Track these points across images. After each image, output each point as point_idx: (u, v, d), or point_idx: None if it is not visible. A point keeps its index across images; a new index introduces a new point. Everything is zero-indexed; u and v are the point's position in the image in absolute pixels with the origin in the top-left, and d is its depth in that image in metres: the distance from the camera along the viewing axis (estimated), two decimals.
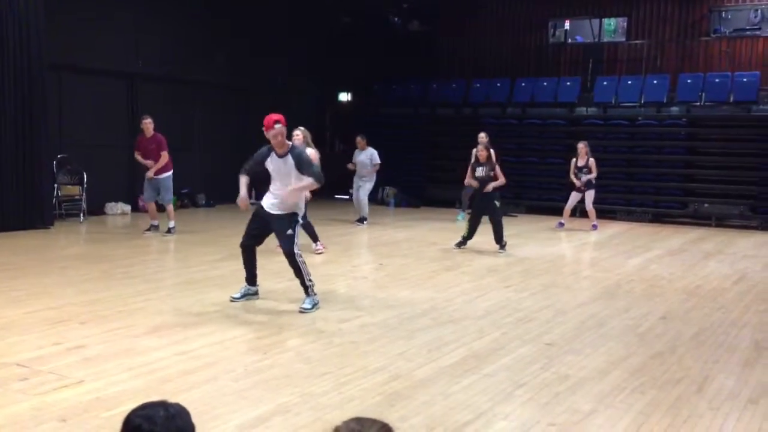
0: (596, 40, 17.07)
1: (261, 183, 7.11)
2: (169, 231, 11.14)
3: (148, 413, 1.82)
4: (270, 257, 9.40)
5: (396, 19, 18.79)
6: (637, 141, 15.76)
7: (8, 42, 10.88)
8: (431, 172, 17.62)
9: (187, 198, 14.88)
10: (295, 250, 6.60)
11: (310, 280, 6.66)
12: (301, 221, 6.87)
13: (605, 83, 16.32)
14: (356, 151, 13.57)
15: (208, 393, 4.41)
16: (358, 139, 13.54)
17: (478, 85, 17.64)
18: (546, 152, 16.44)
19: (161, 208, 11.46)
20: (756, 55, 15.54)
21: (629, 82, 16.07)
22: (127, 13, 13.65)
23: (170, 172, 11.21)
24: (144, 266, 8.59)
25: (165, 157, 11.02)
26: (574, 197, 13.53)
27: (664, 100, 15.62)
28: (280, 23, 16.72)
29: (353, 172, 13.44)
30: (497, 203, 10.33)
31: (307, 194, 7.52)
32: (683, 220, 15.06)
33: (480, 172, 10.41)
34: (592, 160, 13.18)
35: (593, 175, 13.20)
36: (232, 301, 6.79)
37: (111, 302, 6.65)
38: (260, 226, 6.82)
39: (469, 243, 10.66)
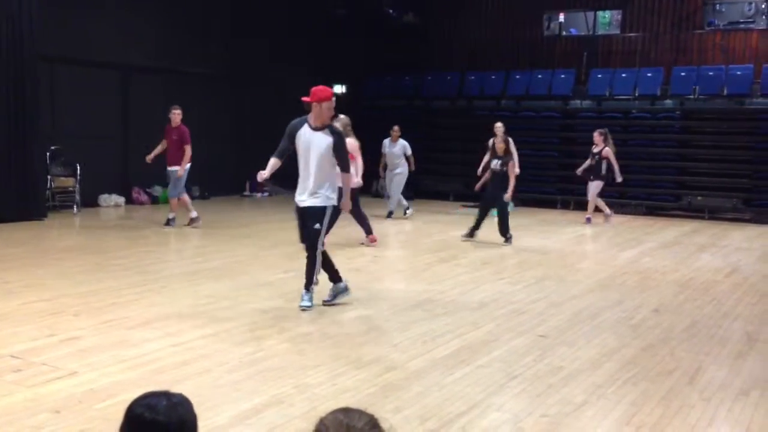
0: (591, 32, 17.05)
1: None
2: (168, 223, 11.09)
3: (151, 402, 1.83)
4: (267, 249, 9.42)
5: (391, 11, 18.74)
6: (630, 134, 15.78)
7: (0, 34, 10.82)
8: (426, 164, 17.54)
9: None
10: (318, 246, 6.32)
11: (317, 279, 6.42)
12: (330, 217, 6.41)
13: (599, 76, 16.33)
14: (387, 141, 13.14)
15: (202, 384, 4.42)
16: (395, 129, 13.07)
17: (472, 77, 17.62)
18: (540, 145, 16.44)
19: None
20: (750, 48, 15.57)
21: (623, 75, 16.08)
22: (120, 3, 13.57)
23: (188, 165, 11.06)
24: (138, 258, 8.58)
25: (188, 150, 10.91)
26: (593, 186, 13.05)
27: (658, 93, 15.64)
28: (276, 15, 16.65)
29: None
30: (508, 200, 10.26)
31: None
32: (677, 213, 15.10)
33: (495, 165, 10.31)
34: (606, 149, 12.79)
35: (603, 165, 12.75)
36: (324, 305, 6.42)
37: (105, 294, 6.65)
38: (302, 217, 6.44)
39: (462, 235, 10.67)
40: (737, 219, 14.43)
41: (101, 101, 13.58)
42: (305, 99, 6.33)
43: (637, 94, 15.82)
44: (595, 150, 12.96)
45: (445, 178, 16.89)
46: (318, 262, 6.38)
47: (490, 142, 11.05)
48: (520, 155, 13.70)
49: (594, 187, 13.00)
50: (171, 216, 11.17)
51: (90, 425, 3.81)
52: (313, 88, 6.37)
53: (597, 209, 13.17)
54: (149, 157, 11.16)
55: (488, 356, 5.19)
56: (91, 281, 7.18)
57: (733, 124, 14.93)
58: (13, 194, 11.08)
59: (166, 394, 1.86)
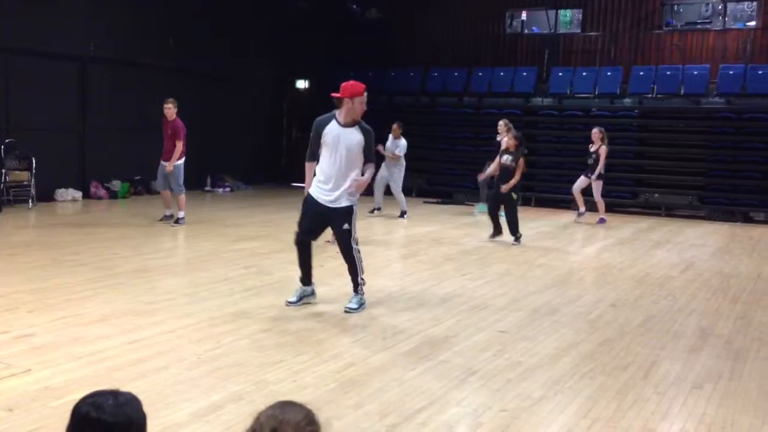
0: (552, 31, 17.25)
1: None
2: (177, 221, 10.78)
3: (97, 401, 1.80)
4: (228, 245, 9.33)
5: (354, 6, 18.70)
6: (590, 131, 15.97)
7: None
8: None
9: (140, 184, 14.58)
10: (353, 245, 6.22)
11: (363, 279, 6.32)
12: (356, 211, 6.30)
13: (560, 74, 16.52)
14: (391, 138, 12.74)
15: (159, 381, 4.36)
16: (396, 126, 12.66)
17: (435, 74, 17.69)
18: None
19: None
20: (706, 48, 15.90)
21: (584, 74, 16.30)
22: None
23: (181, 161, 10.82)
24: (94, 254, 8.43)
25: (179, 146, 10.66)
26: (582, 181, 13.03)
27: (618, 92, 15.89)
28: (238, 8, 16.49)
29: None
30: (514, 195, 10.22)
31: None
32: (634, 210, 15.37)
33: (507, 160, 10.19)
34: (603, 148, 12.68)
35: (600, 164, 12.68)
36: (288, 305, 6.27)
37: (60, 290, 6.52)
38: (314, 219, 6.27)
39: (426, 231, 10.73)
40: (692, 216, 14.73)
41: (58, 93, 13.29)
42: (335, 95, 6.15)
43: (597, 93, 16.05)
44: (593, 149, 12.83)
45: (408, 173, 16.90)
46: (358, 261, 6.27)
47: (498, 138, 10.96)
48: (481, 152, 13.81)
49: (597, 186, 12.88)
50: (181, 215, 10.81)
51: (44, 423, 3.73)
52: (344, 84, 6.12)
53: (577, 204, 13.30)
54: (168, 168, 10.68)
55: (449, 351, 5.21)
56: (46, 277, 7.03)
57: (689, 123, 15.24)
58: None
59: (113, 393, 1.83)
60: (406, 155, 12.85)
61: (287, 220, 11.54)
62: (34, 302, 6.06)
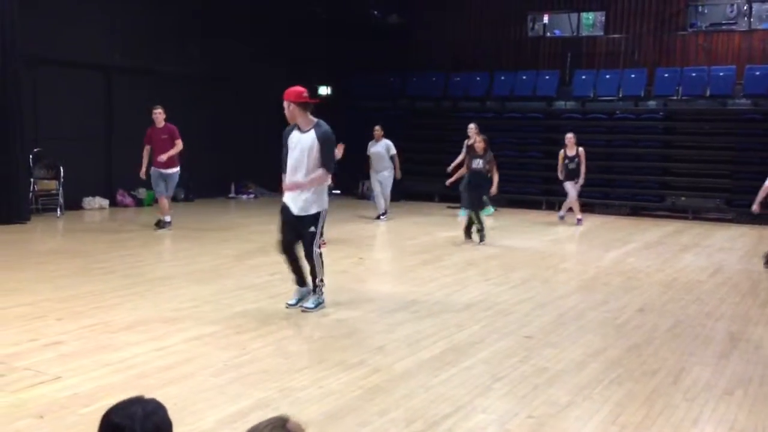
0: (575, 34, 17.15)
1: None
2: (162, 224, 10.96)
3: (125, 410, 1.82)
4: (253, 253, 9.38)
5: (375, 12, 18.74)
6: (614, 134, 15.88)
7: None
8: (411, 165, 17.59)
9: None
10: (315, 248, 6.35)
11: (322, 280, 6.44)
12: (324, 217, 6.42)
13: (583, 77, 16.41)
14: (372, 142, 13.16)
15: (186, 389, 4.39)
16: (377, 128, 13.13)
17: (457, 78, 17.66)
18: (525, 146, 16.51)
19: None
20: (732, 49, 15.70)
21: (607, 76, 16.18)
22: (101, 5, 13.47)
23: (178, 168, 10.98)
24: (121, 261, 8.52)
25: (179, 145, 10.79)
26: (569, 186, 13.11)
27: (642, 94, 15.74)
28: (259, 15, 16.60)
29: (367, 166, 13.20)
30: (486, 198, 10.39)
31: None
32: (660, 213, 15.21)
33: (478, 164, 10.35)
34: (581, 149, 12.92)
35: (582, 166, 12.89)
36: (287, 307, 6.41)
37: (88, 298, 6.59)
38: (291, 226, 6.38)
39: (447, 236, 10.71)
40: (720, 219, 14.55)
41: (84, 103, 13.49)
42: (303, 100, 6.30)
43: (621, 95, 15.92)
44: (572, 153, 12.97)
45: (430, 179, 16.87)
46: (318, 263, 6.39)
47: (466, 142, 11.12)
48: (504, 156, 13.81)
49: (576, 188, 13.00)
50: (167, 219, 10.97)
51: (74, 430, 3.77)
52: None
53: (570, 209, 13.24)
54: (143, 173, 10.96)
55: (474, 358, 5.19)
56: (74, 285, 7.11)
57: (715, 125, 15.05)
58: None
59: (140, 401, 1.85)
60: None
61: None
62: (63, 310, 6.13)
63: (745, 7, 15.75)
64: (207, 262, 8.52)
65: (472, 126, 12.55)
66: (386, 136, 13.24)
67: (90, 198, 13.53)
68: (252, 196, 16.54)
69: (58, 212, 12.34)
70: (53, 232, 11.13)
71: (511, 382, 4.68)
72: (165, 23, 14.68)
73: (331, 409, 4.14)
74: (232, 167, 16.17)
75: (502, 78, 17.15)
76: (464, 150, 11.14)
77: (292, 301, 6.50)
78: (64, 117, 13.02)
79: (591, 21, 17.49)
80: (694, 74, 15.35)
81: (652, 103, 15.73)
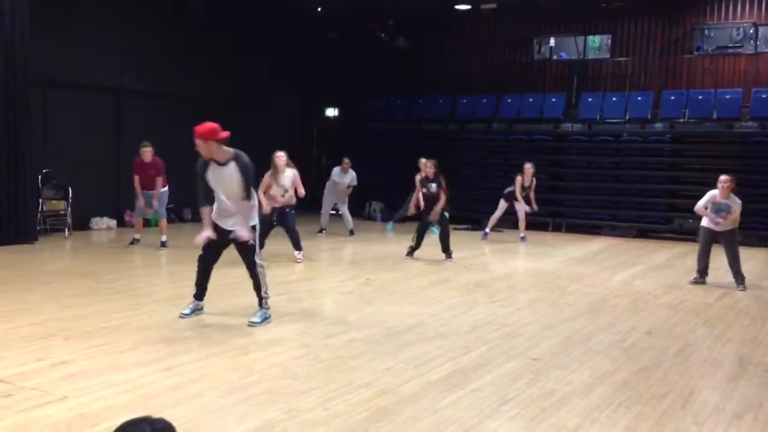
0: (581, 56, 17.23)
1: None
2: (163, 245, 11.12)
3: (135, 429, 1.81)
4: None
5: (382, 35, 18.89)
6: (621, 157, 15.89)
7: None
8: None
9: (173, 213, 14.76)
10: (257, 260, 6.61)
11: (266, 293, 6.65)
12: (258, 229, 6.70)
13: (590, 99, 16.46)
14: (338, 170, 13.80)
15: (193, 409, 4.38)
16: (346, 160, 13.75)
17: (464, 101, 17.74)
18: None
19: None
20: (738, 72, 15.74)
21: (614, 99, 16.22)
22: (111, 27, 13.62)
23: (166, 188, 11.43)
24: (128, 282, 8.53)
25: (161, 180, 11.28)
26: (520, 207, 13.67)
27: (648, 117, 15.78)
28: (268, 38, 16.74)
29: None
30: (446, 214, 10.89)
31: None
32: (667, 236, 15.16)
33: (431, 188, 10.85)
34: (534, 181, 13.63)
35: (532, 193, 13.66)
36: (182, 317, 6.66)
37: (95, 318, 6.60)
38: (218, 240, 6.64)
39: (456, 257, 10.71)
40: None
41: (94, 125, 13.60)
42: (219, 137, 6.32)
43: (627, 118, 15.95)
44: (528, 184, 13.56)
45: None
46: (261, 276, 6.62)
47: (418, 177, 11.43)
48: (510, 179, 13.86)
49: (524, 208, 13.58)
50: (163, 239, 11.23)
51: None
52: (196, 128, 6.31)
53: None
54: (141, 204, 11.29)
55: (481, 380, 5.16)
56: (81, 305, 7.12)
57: (722, 148, 15.05)
58: (4, 217, 11.02)
59: (149, 421, 1.84)
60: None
61: (314, 246, 11.61)
62: (71, 330, 6.14)
63: (752, 31, 15.81)
64: (214, 282, 8.49)
65: (423, 160, 12.16)
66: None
67: (98, 218, 13.59)
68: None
69: (66, 232, 12.39)
70: (61, 252, 11.16)
71: (519, 405, 4.65)
72: (175, 47, 14.82)
73: (338, 431, 4.11)
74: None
75: (509, 100, 17.22)
76: (418, 185, 11.38)
77: (187, 311, 6.73)
78: (74, 138, 13.12)
79: (597, 44, 17.58)
80: (700, 97, 15.38)
81: (658, 126, 15.75)
